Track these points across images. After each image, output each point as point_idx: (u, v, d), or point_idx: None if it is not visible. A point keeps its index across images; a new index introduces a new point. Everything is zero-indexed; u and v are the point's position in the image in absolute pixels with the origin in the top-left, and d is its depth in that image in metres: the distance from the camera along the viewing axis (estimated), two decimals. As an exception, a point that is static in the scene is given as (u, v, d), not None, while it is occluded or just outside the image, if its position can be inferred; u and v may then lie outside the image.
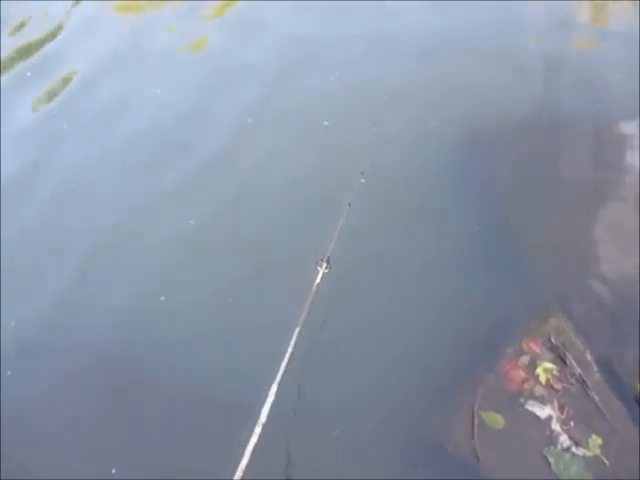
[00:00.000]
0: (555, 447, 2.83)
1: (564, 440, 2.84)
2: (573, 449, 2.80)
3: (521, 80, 4.88)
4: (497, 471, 2.81)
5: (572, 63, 5.04)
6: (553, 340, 3.21)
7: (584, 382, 3.04)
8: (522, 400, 3.03)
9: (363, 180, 3.68)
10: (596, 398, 2.98)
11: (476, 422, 2.96)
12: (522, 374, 3.12)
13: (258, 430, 2.43)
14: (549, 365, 3.12)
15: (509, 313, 3.37)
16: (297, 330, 2.81)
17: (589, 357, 3.15)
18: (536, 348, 3.20)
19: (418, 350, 3.26)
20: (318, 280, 3.03)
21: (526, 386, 3.07)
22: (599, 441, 2.82)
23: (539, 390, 3.05)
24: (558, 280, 3.49)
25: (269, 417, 2.51)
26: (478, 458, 2.85)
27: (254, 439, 2.40)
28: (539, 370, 3.11)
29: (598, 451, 2.79)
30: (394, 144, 4.37)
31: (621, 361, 3.12)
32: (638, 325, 3.23)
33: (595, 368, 3.11)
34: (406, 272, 3.61)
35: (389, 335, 3.31)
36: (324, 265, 3.08)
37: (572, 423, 2.91)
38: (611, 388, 3.02)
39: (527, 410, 2.98)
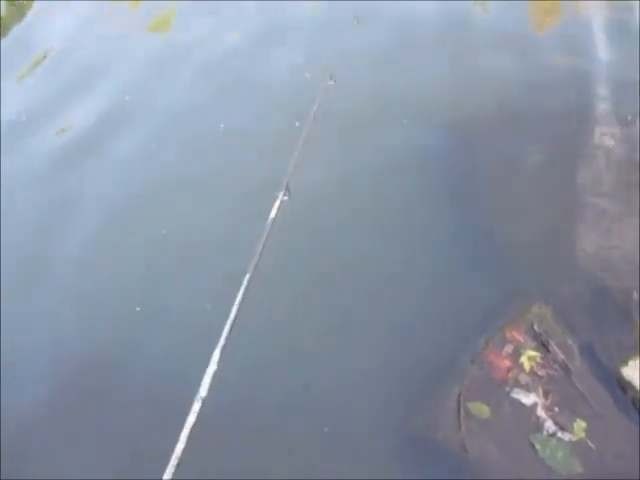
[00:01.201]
0: (541, 433, 2.85)
1: (549, 426, 2.86)
2: (559, 434, 2.83)
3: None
4: (485, 460, 2.83)
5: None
6: (536, 328, 3.24)
7: (567, 368, 3.06)
8: (507, 389, 3.04)
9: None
10: (579, 384, 3.00)
11: (462, 413, 2.98)
12: (507, 363, 3.14)
13: (197, 407, 1.99)
14: (533, 353, 3.15)
15: (491, 302, 3.39)
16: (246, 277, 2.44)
17: (571, 343, 3.18)
18: (519, 337, 3.23)
19: (400, 342, 3.27)
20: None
21: (511, 375, 3.09)
22: (583, 425, 2.85)
23: (524, 378, 3.07)
24: (539, 268, 3.52)
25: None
26: (466, 448, 2.86)
27: (192, 418, 1.97)
28: (523, 358, 3.13)
29: (583, 434, 2.82)
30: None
31: (603, 346, 3.15)
32: (619, 311, 3.27)
33: (578, 354, 3.13)
34: (388, 262, 3.63)
35: (371, 327, 3.32)
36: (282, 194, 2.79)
37: (557, 409, 2.93)
38: (594, 373, 3.05)
39: (512, 398, 3.00)
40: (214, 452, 2.75)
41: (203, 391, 1.99)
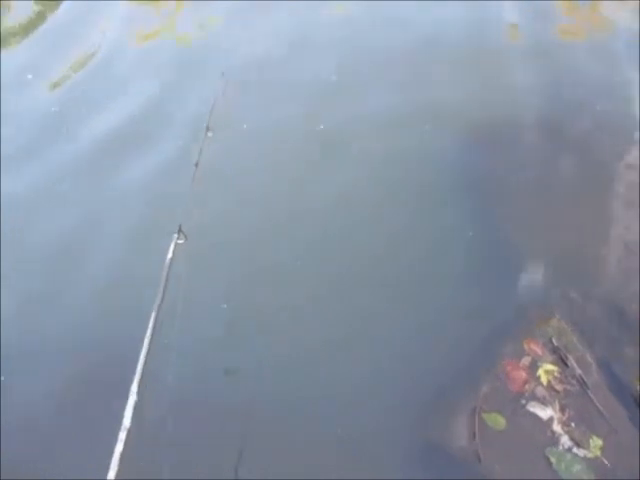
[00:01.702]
0: (557, 448, 2.86)
1: (565, 441, 2.87)
2: (574, 450, 2.83)
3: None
4: (499, 471, 2.84)
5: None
6: (554, 342, 3.24)
7: (585, 383, 3.06)
8: (523, 401, 3.05)
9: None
10: (596, 399, 3.00)
11: (478, 423, 2.99)
12: (523, 375, 3.15)
13: (123, 436, 2.09)
14: (550, 367, 3.15)
15: (510, 313, 3.39)
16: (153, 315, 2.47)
17: (590, 359, 3.18)
18: (537, 349, 3.23)
19: (419, 351, 3.28)
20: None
21: (527, 387, 3.10)
22: (599, 442, 2.85)
23: (540, 391, 3.07)
24: (560, 282, 3.52)
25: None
26: (480, 459, 2.87)
27: (120, 446, 2.07)
28: (540, 371, 3.14)
29: (599, 452, 2.82)
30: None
31: (621, 362, 3.15)
32: (638, 327, 3.27)
33: (596, 369, 3.14)
34: (406, 271, 3.64)
35: (389, 335, 3.33)
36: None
37: (573, 424, 2.94)
38: (611, 389, 3.05)
39: (528, 411, 3.01)
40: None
41: (127, 422, 2.11)
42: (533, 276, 3.55)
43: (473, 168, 4.22)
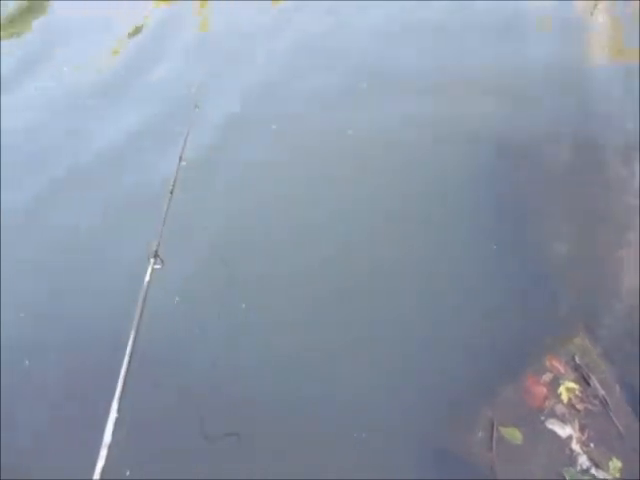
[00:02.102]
0: (574, 467, 2.82)
1: (584, 461, 2.83)
2: (593, 471, 2.79)
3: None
4: (513, 486, 2.82)
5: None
6: (577, 360, 3.20)
7: (607, 404, 3.02)
8: (542, 417, 3.02)
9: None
10: (618, 421, 2.96)
11: (495, 435, 2.96)
12: (544, 391, 3.11)
13: (104, 453, 2.12)
14: (572, 385, 3.11)
15: (533, 329, 3.36)
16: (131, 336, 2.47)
17: (612, 379, 3.14)
18: (559, 366, 3.20)
19: (438, 360, 3.26)
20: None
21: (547, 404, 3.06)
22: (619, 464, 2.81)
23: (560, 409, 3.04)
24: (585, 299, 3.48)
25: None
26: (495, 472, 2.85)
27: (101, 462, 2.11)
28: (561, 389, 3.10)
29: (618, 474, 2.78)
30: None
31: (645, 385, 3.11)
32: (663, 350, 3.22)
33: (618, 390, 3.09)
34: (429, 281, 3.63)
35: (411, 343, 3.32)
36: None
37: (592, 445, 2.90)
38: (634, 411, 3.01)
39: (547, 428, 2.98)
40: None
41: (107, 437, 2.15)
42: (558, 293, 3.51)
43: (504, 182, 4.20)
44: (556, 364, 3.21)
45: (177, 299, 3.61)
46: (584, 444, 2.90)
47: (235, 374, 3.28)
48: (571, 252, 3.70)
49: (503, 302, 3.47)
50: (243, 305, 3.56)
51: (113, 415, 2.19)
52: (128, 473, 2.91)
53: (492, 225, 3.89)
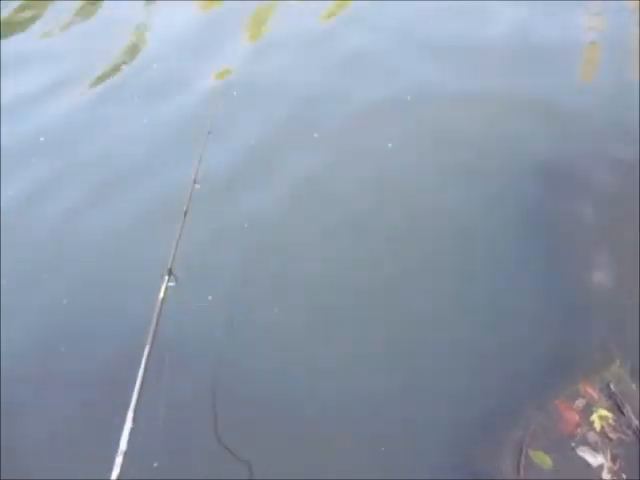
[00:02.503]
0: (604, 497, 2.80)
1: (614, 492, 2.81)
2: (623, 502, 2.77)
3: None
4: (540, 511, 2.81)
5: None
6: (612, 387, 3.16)
7: (640, 435, 2.99)
8: (574, 444, 2.99)
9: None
10: (651, 453, 2.92)
11: (523, 458, 2.95)
12: (576, 417, 3.09)
13: (119, 460, 2.17)
14: (605, 412, 3.08)
15: (568, 353, 3.33)
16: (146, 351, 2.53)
17: (647, 410, 3.10)
18: (593, 393, 3.16)
19: (472, 379, 3.26)
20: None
21: (579, 431, 3.04)
22: (650, 498, 2.77)
23: (592, 437, 3.01)
24: (623, 327, 3.43)
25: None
26: (522, 495, 2.84)
27: (116, 471, 2.16)
28: (594, 416, 3.07)
29: (648, 508, 2.75)
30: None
31: (680, 418, 3.05)
32: (701, 382, 3.15)
33: (653, 422, 3.05)
34: (465, 305, 3.62)
35: (444, 361, 3.34)
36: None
37: (624, 476, 2.86)
38: (668, 445, 2.96)
39: (578, 455, 2.95)
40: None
41: (123, 445, 2.21)
42: (596, 320, 3.47)
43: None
44: (590, 390, 3.18)
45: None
46: (615, 474, 2.87)
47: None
48: (609, 281, 3.65)
49: (540, 327, 3.45)
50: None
51: (129, 425, 2.27)
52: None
53: (528, 249, 3.87)
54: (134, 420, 2.27)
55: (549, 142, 4.60)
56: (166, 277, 2.79)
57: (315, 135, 4.85)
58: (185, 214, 3.12)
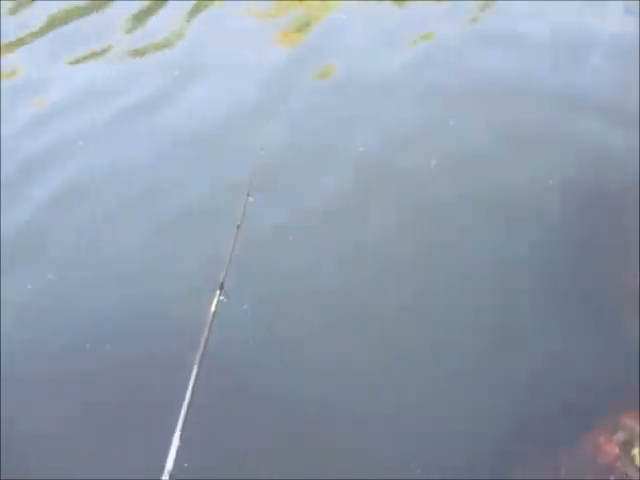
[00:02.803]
0: (642, 537, 2.76)
1: (653, 532, 2.77)
2: (661, 543, 2.73)
3: None
4: None
5: None
6: (655, 422, 3.10)
7: (683, 474, 2.92)
8: (612, 478, 2.96)
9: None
10: (694, 493, 2.86)
11: (560, 491, 2.94)
12: (616, 451, 3.04)
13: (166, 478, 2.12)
14: (647, 447, 3.03)
15: (611, 385, 3.28)
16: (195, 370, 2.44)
17: (694, 448, 3.02)
18: (635, 427, 3.10)
19: (511, 405, 3.26)
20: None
21: (618, 464, 2.99)
22: (691, 541, 2.72)
23: (632, 473, 2.96)
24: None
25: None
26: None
27: None
28: (635, 451, 3.02)
29: None
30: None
31: None
32: None
33: (699, 461, 2.98)
34: (509, 337, 3.61)
35: (485, 388, 3.35)
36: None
37: (662, 514, 2.82)
38: None
39: (617, 490, 2.92)
40: None
41: (169, 465, 2.12)
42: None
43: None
44: (631, 424, 3.12)
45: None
46: (654, 512, 2.83)
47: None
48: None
49: (581, 356, 3.42)
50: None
51: (176, 443, 2.18)
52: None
53: (575, 284, 3.83)
54: (181, 439, 2.19)
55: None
56: (217, 291, 2.73)
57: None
58: (238, 227, 3.08)
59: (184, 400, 2.30)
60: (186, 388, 2.29)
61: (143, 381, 3.59)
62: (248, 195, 3.29)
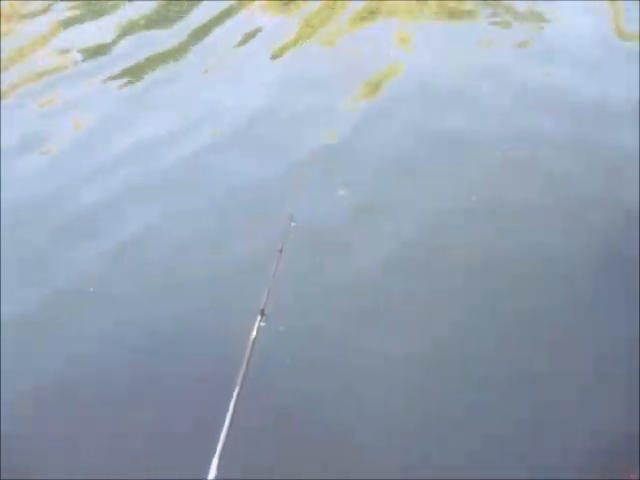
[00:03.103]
0: None
1: None
2: None
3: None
4: None
5: None
6: None
7: None
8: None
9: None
10: None
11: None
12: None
13: None
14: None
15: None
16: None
17: None
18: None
19: (540, 439, 3.16)
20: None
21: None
22: None
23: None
24: None
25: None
26: None
27: None
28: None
29: None
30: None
31: None
32: None
33: None
34: (535, 370, 3.53)
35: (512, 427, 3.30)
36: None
37: None
38: None
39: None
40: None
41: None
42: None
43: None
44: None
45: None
46: None
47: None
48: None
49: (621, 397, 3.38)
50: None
51: (213, 473, 2.14)
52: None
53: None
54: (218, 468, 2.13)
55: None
56: (259, 317, 2.74)
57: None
58: (280, 252, 3.11)
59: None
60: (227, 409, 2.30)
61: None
62: (291, 220, 3.32)
